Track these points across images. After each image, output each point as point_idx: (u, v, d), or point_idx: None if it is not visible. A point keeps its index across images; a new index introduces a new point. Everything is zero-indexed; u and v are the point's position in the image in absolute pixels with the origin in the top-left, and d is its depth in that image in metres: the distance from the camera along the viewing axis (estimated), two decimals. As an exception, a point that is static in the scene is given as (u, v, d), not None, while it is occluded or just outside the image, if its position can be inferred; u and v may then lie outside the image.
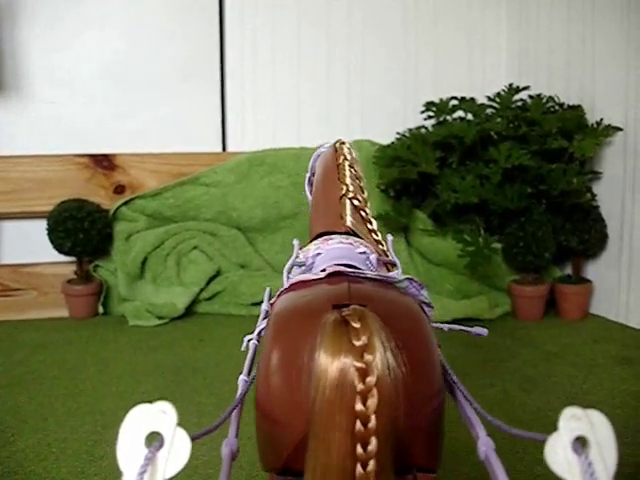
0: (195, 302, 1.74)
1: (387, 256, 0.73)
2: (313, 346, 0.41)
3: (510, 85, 1.72)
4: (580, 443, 0.36)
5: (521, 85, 1.74)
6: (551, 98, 1.72)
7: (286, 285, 0.54)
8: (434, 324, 0.59)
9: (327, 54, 1.96)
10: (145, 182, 1.82)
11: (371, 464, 0.39)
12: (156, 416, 0.37)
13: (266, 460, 0.47)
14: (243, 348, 0.60)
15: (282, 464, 0.44)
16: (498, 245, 1.64)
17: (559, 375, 1.27)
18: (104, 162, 1.79)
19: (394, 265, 0.71)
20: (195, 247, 1.79)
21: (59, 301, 1.73)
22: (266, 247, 1.87)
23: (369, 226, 0.73)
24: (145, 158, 1.82)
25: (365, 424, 0.39)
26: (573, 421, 0.36)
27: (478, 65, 2.04)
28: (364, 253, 0.63)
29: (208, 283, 1.75)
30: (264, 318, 0.62)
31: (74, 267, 1.73)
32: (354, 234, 0.68)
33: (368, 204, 0.76)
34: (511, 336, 1.54)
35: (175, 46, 1.86)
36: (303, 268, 0.64)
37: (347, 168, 0.75)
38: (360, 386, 0.39)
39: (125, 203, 1.77)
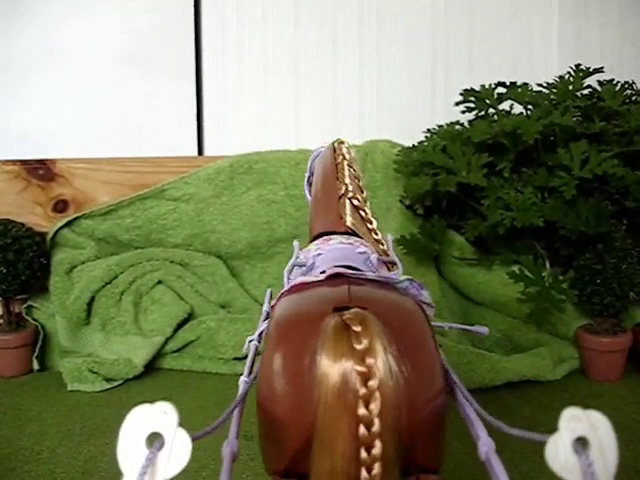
0: (159, 356, 1.32)
1: (387, 255, 0.74)
2: (314, 350, 0.42)
3: (577, 66, 1.30)
4: (581, 444, 0.36)
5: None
6: (628, 84, 1.31)
7: (287, 287, 0.56)
8: (434, 323, 0.61)
9: (332, 30, 1.56)
10: (95, 196, 1.46)
11: (376, 468, 0.40)
12: (157, 416, 0.38)
13: (269, 462, 0.47)
14: (244, 351, 0.63)
15: (285, 465, 0.45)
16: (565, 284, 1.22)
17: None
18: (40, 170, 1.43)
19: (394, 264, 0.72)
20: (159, 282, 1.40)
21: (-19, 354, 1.33)
22: (255, 279, 1.48)
23: (369, 225, 0.74)
24: (95, 164, 1.46)
25: (369, 428, 0.39)
26: (573, 422, 0.37)
27: (524, 46, 1.62)
28: (364, 253, 0.64)
29: (176, 330, 1.35)
30: (265, 319, 0.66)
31: (0, 309, 1.32)
32: (354, 234, 0.70)
33: (367, 203, 0.77)
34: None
35: (137, 23, 1.48)
36: (303, 269, 0.64)
37: (346, 167, 0.77)
38: (362, 390, 0.40)
39: (68, 224, 1.40)
